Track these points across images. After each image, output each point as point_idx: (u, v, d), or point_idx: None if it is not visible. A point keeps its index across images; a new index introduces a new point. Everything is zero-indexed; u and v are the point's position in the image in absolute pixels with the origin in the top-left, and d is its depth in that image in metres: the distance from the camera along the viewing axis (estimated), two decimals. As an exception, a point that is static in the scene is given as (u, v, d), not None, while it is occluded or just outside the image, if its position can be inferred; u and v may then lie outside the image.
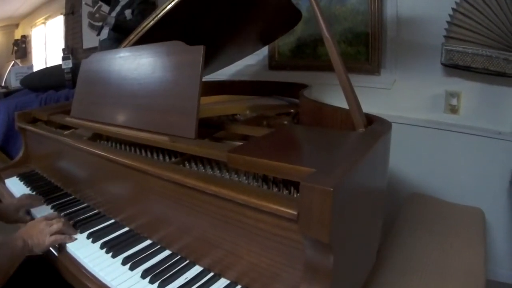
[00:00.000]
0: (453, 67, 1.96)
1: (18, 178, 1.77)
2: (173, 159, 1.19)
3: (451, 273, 1.34)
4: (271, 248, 0.82)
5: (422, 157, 2.18)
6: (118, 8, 2.89)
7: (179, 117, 1.15)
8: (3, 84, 4.99)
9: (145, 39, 1.41)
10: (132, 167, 1.12)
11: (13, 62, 5.87)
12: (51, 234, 1.11)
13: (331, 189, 0.67)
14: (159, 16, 1.37)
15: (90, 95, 1.57)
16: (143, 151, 1.31)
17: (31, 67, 4.88)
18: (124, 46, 1.50)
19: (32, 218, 1.36)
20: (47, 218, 1.17)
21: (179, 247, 1.05)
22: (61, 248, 1.15)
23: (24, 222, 1.34)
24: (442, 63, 1.98)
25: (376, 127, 1.15)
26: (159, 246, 1.10)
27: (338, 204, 0.70)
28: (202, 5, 1.41)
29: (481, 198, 1.96)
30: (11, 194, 1.63)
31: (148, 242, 1.13)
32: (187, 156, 1.15)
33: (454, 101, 2.06)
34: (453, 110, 2.07)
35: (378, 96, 2.25)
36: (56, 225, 1.13)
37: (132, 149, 1.36)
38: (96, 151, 1.28)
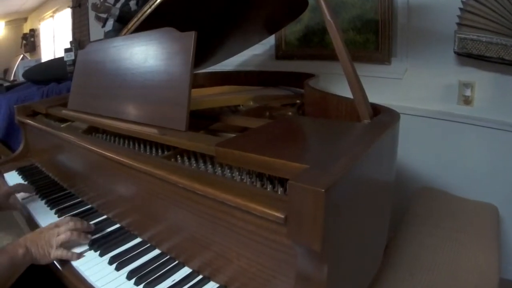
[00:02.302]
0: (467, 56, 1.88)
1: (17, 172, 1.74)
2: (166, 153, 1.13)
3: (462, 271, 1.29)
4: (262, 252, 0.74)
5: (434, 150, 2.11)
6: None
7: (170, 108, 1.09)
8: (12, 78, 5.02)
9: (144, 28, 1.34)
10: (117, 161, 1.06)
11: (22, 55, 5.92)
12: (58, 246, 1.00)
13: (323, 190, 0.58)
14: (156, 3, 1.30)
15: (86, 87, 1.53)
16: (136, 144, 1.26)
17: (39, 60, 4.90)
18: (123, 35, 1.45)
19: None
20: (57, 225, 1.04)
21: (168, 247, 0.99)
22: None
23: (14, 209, 1.31)
24: (455, 52, 1.89)
25: (383, 117, 1.07)
26: (148, 245, 1.04)
27: (333, 207, 0.62)
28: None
29: (495, 193, 1.88)
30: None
31: (137, 240, 1.07)
32: (179, 149, 1.09)
33: (468, 92, 1.98)
34: (467, 101, 1.99)
35: (388, 86, 2.19)
36: (64, 235, 1.01)
37: (126, 142, 1.31)
38: (83, 144, 1.23)
